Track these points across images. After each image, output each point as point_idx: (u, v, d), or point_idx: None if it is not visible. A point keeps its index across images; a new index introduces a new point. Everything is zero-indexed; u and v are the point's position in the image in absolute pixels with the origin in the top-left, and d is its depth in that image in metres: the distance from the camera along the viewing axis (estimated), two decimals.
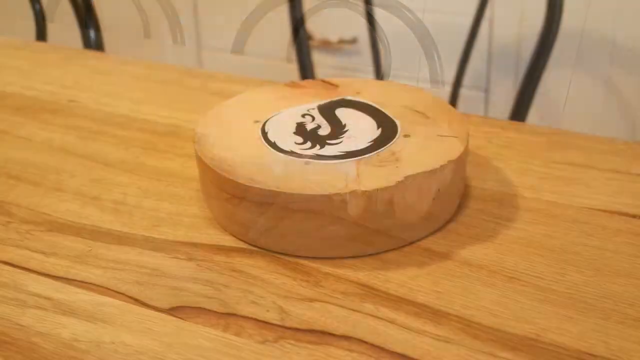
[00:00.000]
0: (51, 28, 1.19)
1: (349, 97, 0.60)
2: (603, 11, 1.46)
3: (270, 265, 0.51)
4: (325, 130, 0.56)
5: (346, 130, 0.55)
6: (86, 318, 0.47)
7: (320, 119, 0.57)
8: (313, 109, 0.58)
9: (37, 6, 1.18)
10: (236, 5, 1.77)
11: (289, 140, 0.54)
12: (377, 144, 0.53)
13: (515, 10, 1.50)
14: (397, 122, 0.56)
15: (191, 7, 1.84)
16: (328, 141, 0.54)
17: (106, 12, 1.31)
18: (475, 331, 0.45)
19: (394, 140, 0.54)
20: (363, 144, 0.53)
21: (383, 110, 0.58)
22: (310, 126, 0.56)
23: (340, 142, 0.54)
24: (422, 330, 0.45)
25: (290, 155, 0.53)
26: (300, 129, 0.56)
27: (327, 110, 0.58)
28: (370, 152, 0.52)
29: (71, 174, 0.63)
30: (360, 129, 0.55)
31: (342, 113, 0.58)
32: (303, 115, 0.58)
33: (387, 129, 0.55)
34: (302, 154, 0.53)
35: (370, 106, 0.58)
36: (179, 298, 0.48)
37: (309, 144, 0.54)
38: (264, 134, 0.55)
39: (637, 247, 0.51)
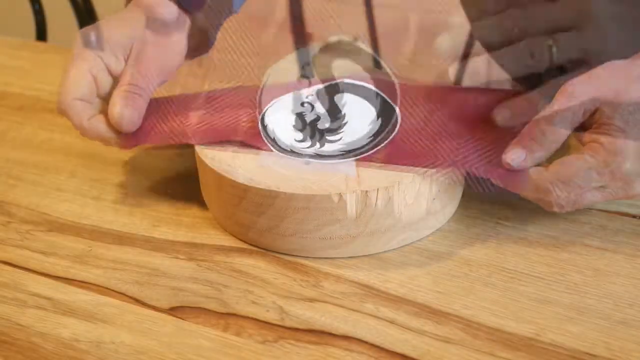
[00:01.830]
0: (51, 28, 1.19)
1: (348, 80, 0.57)
2: None
3: (270, 265, 0.51)
4: (324, 122, 0.55)
5: (345, 123, 0.54)
6: (86, 318, 0.47)
7: (319, 108, 0.55)
8: (312, 94, 0.57)
9: (37, 6, 1.18)
10: None
11: (288, 136, 0.54)
12: (377, 140, 0.53)
13: None
14: (397, 109, 0.55)
15: None
16: (328, 137, 0.54)
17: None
18: (475, 331, 0.45)
19: (393, 135, 0.53)
20: (363, 140, 0.53)
21: (384, 95, 0.56)
22: (309, 117, 0.55)
23: (340, 138, 0.54)
24: (422, 330, 0.45)
25: (290, 155, 0.53)
26: (299, 122, 0.55)
27: (328, 92, 0.56)
28: (371, 150, 0.52)
29: (71, 174, 0.63)
30: (359, 122, 0.54)
31: (341, 101, 0.56)
32: (302, 104, 0.56)
33: (387, 119, 0.54)
34: (302, 153, 0.53)
35: (371, 91, 0.56)
36: (179, 298, 0.48)
37: (308, 141, 0.54)
38: (264, 127, 0.54)
39: (637, 247, 0.51)
